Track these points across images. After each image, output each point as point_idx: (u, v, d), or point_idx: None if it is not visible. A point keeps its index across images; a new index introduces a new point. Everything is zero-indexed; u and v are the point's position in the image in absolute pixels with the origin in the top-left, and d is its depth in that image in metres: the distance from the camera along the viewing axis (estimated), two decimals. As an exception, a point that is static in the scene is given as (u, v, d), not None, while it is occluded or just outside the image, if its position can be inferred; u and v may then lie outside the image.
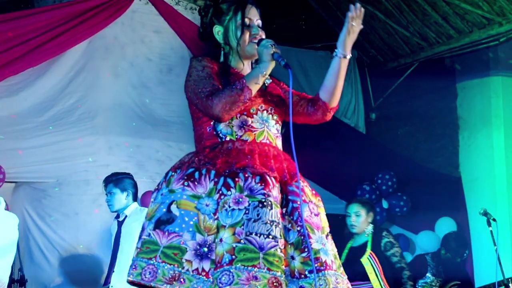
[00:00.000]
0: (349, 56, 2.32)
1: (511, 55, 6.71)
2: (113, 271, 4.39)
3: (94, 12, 5.53)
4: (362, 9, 2.27)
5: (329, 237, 2.29)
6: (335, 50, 2.32)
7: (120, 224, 4.47)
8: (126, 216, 4.47)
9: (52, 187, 5.42)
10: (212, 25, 2.42)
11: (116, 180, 4.51)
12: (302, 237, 2.17)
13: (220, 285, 2.01)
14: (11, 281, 4.73)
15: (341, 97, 2.47)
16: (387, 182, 6.91)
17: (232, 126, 2.30)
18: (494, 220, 5.03)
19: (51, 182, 5.42)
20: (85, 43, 5.64)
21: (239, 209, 2.10)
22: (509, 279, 5.06)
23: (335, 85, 2.36)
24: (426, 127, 7.51)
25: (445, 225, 6.61)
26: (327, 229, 2.30)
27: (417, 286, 5.56)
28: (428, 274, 5.58)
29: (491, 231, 4.98)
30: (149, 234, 2.16)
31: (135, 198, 4.57)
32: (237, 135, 2.29)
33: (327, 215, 2.38)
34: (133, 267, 2.13)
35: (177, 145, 5.87)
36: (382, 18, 6.89)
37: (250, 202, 2.11)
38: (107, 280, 4.41)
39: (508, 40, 6.34)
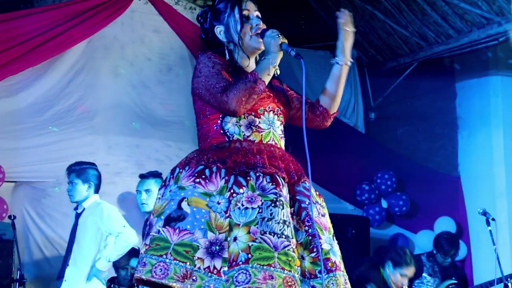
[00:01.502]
0: (350, 63, 2.36)
1: (510, 55, 6.71)
2: (68, 265, 4.22)
3: (94, 11, 5.53)
4: (349, 13, 2.31)
5: (334, 237, 2.30)
6: (335, 58, 2.37)
7: (77, 216, 4.31)
8: (84, 209, 4.30)
9: (52, 186, 5.42)
10: (213, 28, 2.42)
11: (79, 170, 4.33)
12: (310, 237, 2.18)
13: (237, 283, 2.00)
14: (11, 280, 4.72)
15: (340, 98, 2.50)
16: (386, 182, 6.92)
17: (240, 126, 2.28)
18: (493, 219, 5.04)
19: (50, 181, 5.41)
20: (84, 43, 5.64)
21: (252, 208, 2.10)
22: (508, 277, 5.07)
23: (336, 92, 2.43)
24: (425, 126, 7.51)
25: (444, 225, 6.61)
26: (332, 230, 2.31)
27: (412, 287, 5.55)
28: (424, 274, 5.56)
29: (490, 230, 4.99)
30: (159, 231, 2.12)
31: (97, 190, 4.40)
32: (244, 135, 2.28)
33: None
34: (142, 264, 2.09)
35: (177, 145, 5.87)
36: (381, 17, 6.88)
37: (263, 201, 2.11)
38: (61, 274, 4.24)
39: (507, 39, 6.34)
